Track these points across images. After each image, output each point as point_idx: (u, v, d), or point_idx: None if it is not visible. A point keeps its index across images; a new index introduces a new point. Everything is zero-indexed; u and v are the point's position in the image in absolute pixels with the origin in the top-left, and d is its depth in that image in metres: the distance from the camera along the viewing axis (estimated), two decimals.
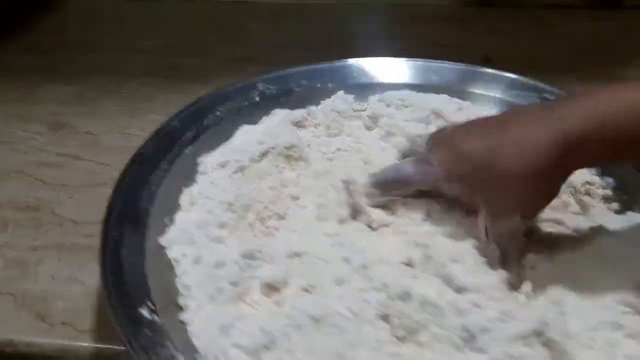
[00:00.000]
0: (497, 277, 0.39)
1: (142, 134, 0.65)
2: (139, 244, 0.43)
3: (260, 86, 0.61)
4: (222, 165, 0.51)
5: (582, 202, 0.50)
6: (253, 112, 0.58)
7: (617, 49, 0.81)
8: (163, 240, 0.44)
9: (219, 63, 0.80)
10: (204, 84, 0.74)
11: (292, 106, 0.59)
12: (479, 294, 0.38)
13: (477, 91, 0.60)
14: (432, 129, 0.52)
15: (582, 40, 0.82)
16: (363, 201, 0.46)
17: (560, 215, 0.47)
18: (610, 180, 0.51)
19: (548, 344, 0.35)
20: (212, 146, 0.54)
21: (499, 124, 0.42)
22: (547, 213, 0.45)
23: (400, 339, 0.37)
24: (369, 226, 0.46)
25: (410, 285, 0.38)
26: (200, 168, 0.52)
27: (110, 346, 0.43)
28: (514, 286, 0.40)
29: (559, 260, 0.43)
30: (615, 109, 0.38)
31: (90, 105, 0.72)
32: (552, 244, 0.44)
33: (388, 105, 0.58)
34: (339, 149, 0.55)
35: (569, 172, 0.41)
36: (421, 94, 0.59)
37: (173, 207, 0.48)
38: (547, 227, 0.46)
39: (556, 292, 0.40)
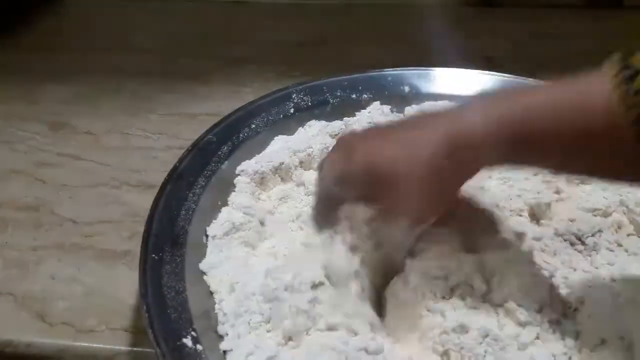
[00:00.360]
0: None
1: (142, 134, 0.66)
2: (179, 267, 0.43)
3: (295, 97, 0.60)
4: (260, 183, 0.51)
5: (635, 222, 0.47)
6: (289, 125, 0.58)
7: (617, 49, 0.80)
8: (203, 265, 0.44)
9: (219, 63, 0.80)
10: (204, 84, 0.74)
11: (328, 118, 0.59)
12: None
13: None
14: None
15: (582, 40, 0.82)
16: None
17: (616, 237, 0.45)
18: None
19: None
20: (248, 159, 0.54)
21: (401, 127, 0.41)
22: (606, 235, 0.44)
23: None
24: None
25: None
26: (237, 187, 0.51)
27: (110, 346, 0.43)
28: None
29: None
30: (516, 109, 0.36)
31: (90, 105, 0.72)
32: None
33: None
34: None
35: (465, 174, 0.39)
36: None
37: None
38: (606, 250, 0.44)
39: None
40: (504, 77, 0.61)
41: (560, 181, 0.49)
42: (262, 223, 0.48)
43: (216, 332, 0.39)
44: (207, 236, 0.46)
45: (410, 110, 0.59)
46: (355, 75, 0.63)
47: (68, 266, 0.50)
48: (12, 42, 0.86)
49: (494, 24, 0.88)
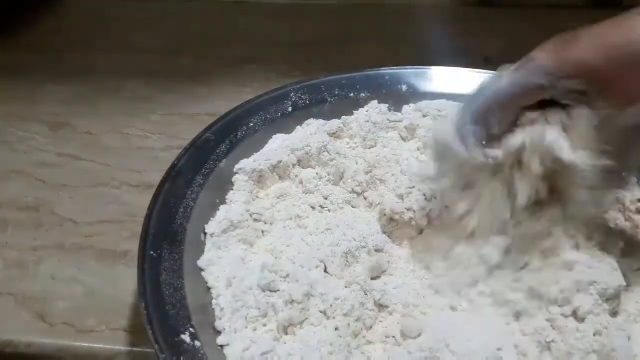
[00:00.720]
0: None
1: (142, 134, 0.66)
2: (177, 264, 0.43)
3: (293, 96, 0.60)
4: (258, 181, 0.52)
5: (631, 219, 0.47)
6: (287, 123, 0.58)
7: None
8: (201, 262, 0.44)
9: (219, 63, 0.80)
10: (204, 84, 0.74)
11: (326, 116, 0.59)
12: None
13: None
14: None
15: None
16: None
17: None
18: None
19: None
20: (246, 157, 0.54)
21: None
22: None
23: None
24: None
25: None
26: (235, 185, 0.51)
27: (110, 346, 0.43)
28: None
29: None
30: None
31: (90, 105, 0.72)
32: None
33: (424, 115, 0.58)
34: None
35: None
36: (457, 104, 0.58)
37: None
38: None
39: None
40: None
41: None
42: (259, 221, 0.48)
43: (214, 327, 0.39)
44: (205, 234, 0.46)
45: (408, 108, 0.59)
46: (353, 74, 0.63)
47: (68, 266, 0.50)
48: (12, 42, 0.86)
49: (493, 24, 0.88)
